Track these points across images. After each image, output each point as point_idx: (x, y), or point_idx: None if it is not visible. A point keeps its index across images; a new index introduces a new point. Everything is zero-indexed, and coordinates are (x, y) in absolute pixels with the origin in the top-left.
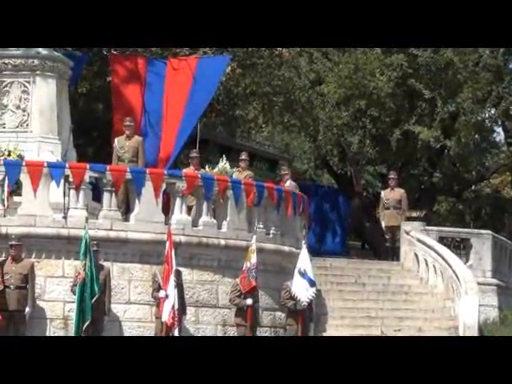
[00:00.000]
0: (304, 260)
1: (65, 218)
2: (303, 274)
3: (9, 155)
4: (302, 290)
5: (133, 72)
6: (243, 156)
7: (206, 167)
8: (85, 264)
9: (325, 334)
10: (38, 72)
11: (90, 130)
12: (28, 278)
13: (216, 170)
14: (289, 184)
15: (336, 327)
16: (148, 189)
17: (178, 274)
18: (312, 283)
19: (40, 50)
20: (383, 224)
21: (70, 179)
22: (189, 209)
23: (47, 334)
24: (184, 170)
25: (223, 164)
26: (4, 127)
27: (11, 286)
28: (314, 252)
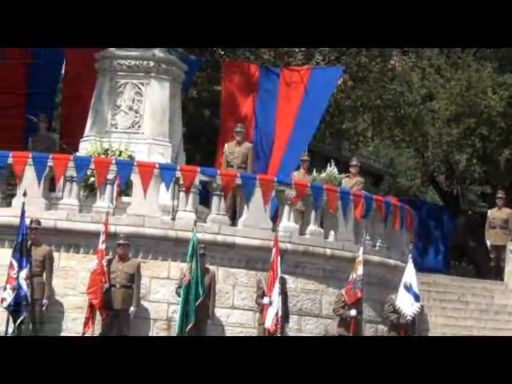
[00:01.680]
0: (410, 274)
1: (173, 219)
2: (408, 289)
3: (120, 155)
4: (406, 304)
5: (245, 81)
6: (354, 162)
7: (314, 171)
8: (191, 266)
9: None
10: (152, 74)
11: (198, 135)
12: (134, 278)
13: (324, 174)
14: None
15: None
16: (257, 195)
17: (283, 282)
18: (417, 298)
19: (156, 51)
20: (489, 243)
21: (181, 182)
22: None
23: (150, 335)
24: (293, 173)
25: (331, 169)
26: (116, 127)
27: (117, 285)
28: (416, 268)
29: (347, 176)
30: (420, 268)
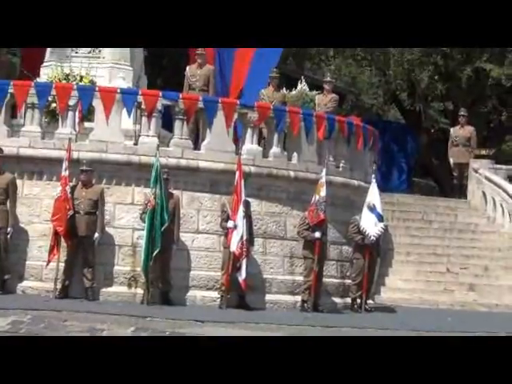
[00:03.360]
0: (373, 195)
1: (136, 144)
2: (372, 209)
3: (80, 80)
4: (370, 225)
5: None
6: (328, 78)
7: (284, 89)
8: (155, 192)
9: (390, 269)
10: None
11: (160, 58)
12: (98, 204)
13: (295, 92)
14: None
15: (401, 263)
16: (220, 118)
17: (247, 205)
18: (380, 218)
19: None
20: (451, 161)
21: (143, 106)
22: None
23: (115, 261)
24: (262, 91)
25: (302, 86)
26: (77, 52)
27: (81, 212)
28: (380, 188)
29: (319, 93)
30: (384, 189)
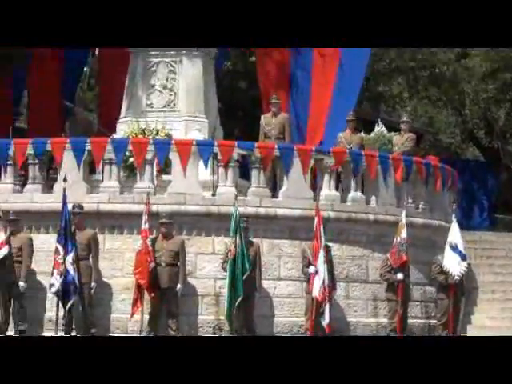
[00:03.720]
0: (455, 234)
1: (214, 195)
2: (454, 248)
3: (157, 134)
4: (453, 264)
5: (277, 50)
6: (404, 118)
7: (362, 133)
8: (235, 241)
9: (475, 308)
10: (183, 52)
11: (235, 108)
12: (179, 255)
13: (373, 134)
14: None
15: (487, 301)
16: (296, 165)
17: (328, 250)
18: (463, 257)
19: None
20: None
21: (219, 157)
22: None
23: (199, 311)
24: (339, 134)
25: (379, 128)
26: (152, 107)
27: (162, 264)
28: (462, 226)
29: (398, 134)
30: (466, 227)
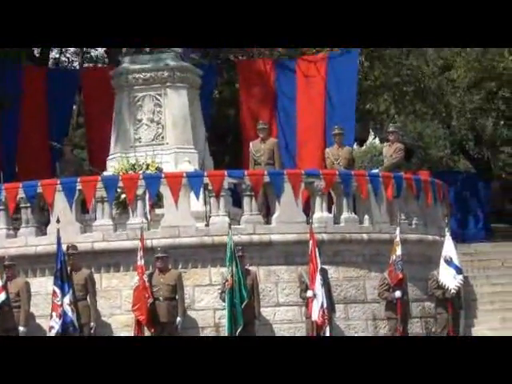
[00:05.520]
0: (449, 248)
1: (207, 225)
2: (449, 262)
3: (147, 168)
4: (449, 279)
5: (260, 76)
6: (391, 128)
7: (355, 145)
8: (232, 270)
9: (475, 321)
10: (168, 84)
11: (225, 136)
12: (176, 289)
13: (364, 147)
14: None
15: (486, 312)
16: (287, 190)
17: (324, 273)
18: (459, 270)
19: (168, 61)
20: None
21: (210, 187)
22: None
23: None
24: (326, 150)
25: (372, 139)
26: (140, 141)
27: (161, 298)
28: (458, 239)
29: (387, 145)
30: (462, 239)
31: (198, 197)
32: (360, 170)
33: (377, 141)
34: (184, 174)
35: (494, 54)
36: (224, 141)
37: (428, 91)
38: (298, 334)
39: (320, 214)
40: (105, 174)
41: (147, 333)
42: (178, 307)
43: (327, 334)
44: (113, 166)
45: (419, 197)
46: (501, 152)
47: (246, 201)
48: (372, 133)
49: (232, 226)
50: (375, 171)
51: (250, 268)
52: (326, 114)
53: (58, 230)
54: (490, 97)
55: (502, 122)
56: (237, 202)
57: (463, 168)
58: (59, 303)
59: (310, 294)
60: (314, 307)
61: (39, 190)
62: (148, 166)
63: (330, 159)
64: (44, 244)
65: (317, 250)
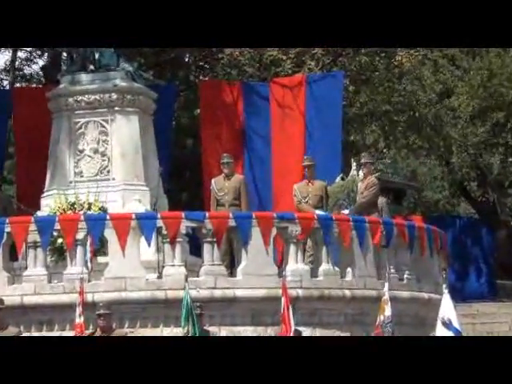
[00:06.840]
0: (447, 308)
1: (160, 277)
2: (448, 325)
3: (89, 208)
4: None
5: (226, 99)
6: (363, 159)
7: (338, 178)
8: (188, 331)
9: None
10: (116, 108)
11: (182, 170)
12: None
13: (345, 181)
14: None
15: None
16: (256, 236)
17: (299, 335)
18: (459, 334)
19: (117, 81)
20: None
21: (164, 232)
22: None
23: None
24: (295, 186)
25: (353, 171)
26: (82, 176)
27: None
28: (457, 295)
29: (361, 179)
30: (461, 295)
31: (149, 243)
32: (334, 208)
33: (361, 175)
34: (133, 216)
35: (501, 79)
36: (181, 176)
37: (424, 121)
38: None
39: (295, 265)
40: (38, 214)
41: None
42: None
43: None
44: (48, 205)
45: (412, 246)
46: (509, 195)
47: (206, 248)
48: (354, 166)
49: (189, 279)
50: (345, 211)
51: (210, 329)
52: (306, 152)
53: None
54: (496, 129)
55: (511, 159)
56: (195, 250)
57: (463, 213)
58: None
59: None
60: None
61: None
62: (90, 205)
63: (298, 197)
64: None
65: (290, 308)
